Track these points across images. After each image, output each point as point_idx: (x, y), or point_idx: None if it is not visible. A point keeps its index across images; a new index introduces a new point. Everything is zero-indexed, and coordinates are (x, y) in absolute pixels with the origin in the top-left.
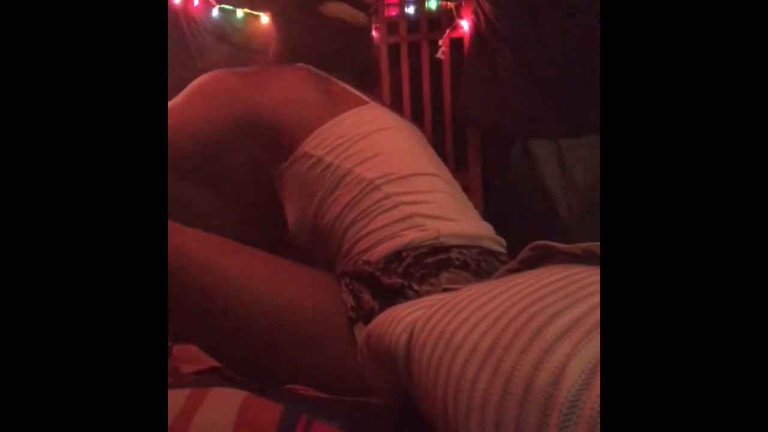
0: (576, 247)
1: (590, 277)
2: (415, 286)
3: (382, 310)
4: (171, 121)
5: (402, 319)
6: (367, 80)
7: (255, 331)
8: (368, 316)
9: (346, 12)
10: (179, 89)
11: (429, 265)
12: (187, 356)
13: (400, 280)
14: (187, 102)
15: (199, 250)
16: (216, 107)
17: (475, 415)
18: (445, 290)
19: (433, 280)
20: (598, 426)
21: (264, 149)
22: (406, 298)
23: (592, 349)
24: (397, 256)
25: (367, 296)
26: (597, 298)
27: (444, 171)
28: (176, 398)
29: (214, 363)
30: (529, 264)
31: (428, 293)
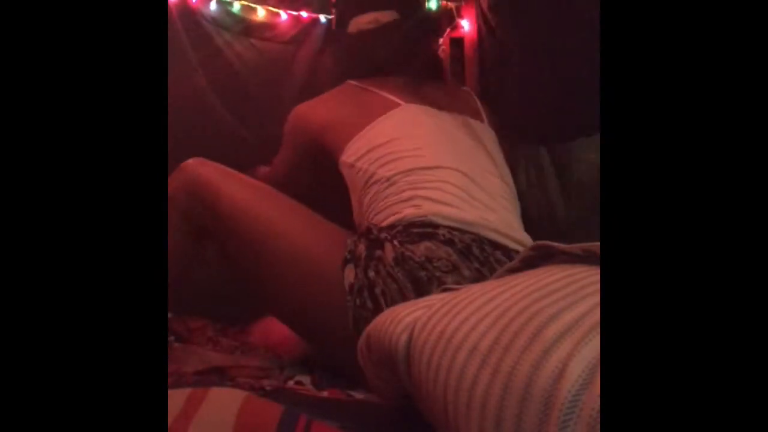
0: (576, 247)
1: (590, 277)
2: (396, 243)
3: (368, 257)
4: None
5: (402, 319)
6: (427, 72)
7: (274, 262)
8: (357, 261)
9: (362, 22)
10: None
11: (413, 234)
12: (187, 356)
13: (385, 234)
14: (283, 138)
15: (249, 199)
16: (293, 141)
17: (475, 415)
18: (445, 290)
19: (411, 246)
20: (598, 425)
21: (327, 161)
22: (384, 251)
23: (592, 349)
24: (393, 225)
25: (361, 245)
26: (597, 298)
27: (469, 165)
28: (176, 398)
29: (216, 363)
30: (530, 263)
31: (405, 254)
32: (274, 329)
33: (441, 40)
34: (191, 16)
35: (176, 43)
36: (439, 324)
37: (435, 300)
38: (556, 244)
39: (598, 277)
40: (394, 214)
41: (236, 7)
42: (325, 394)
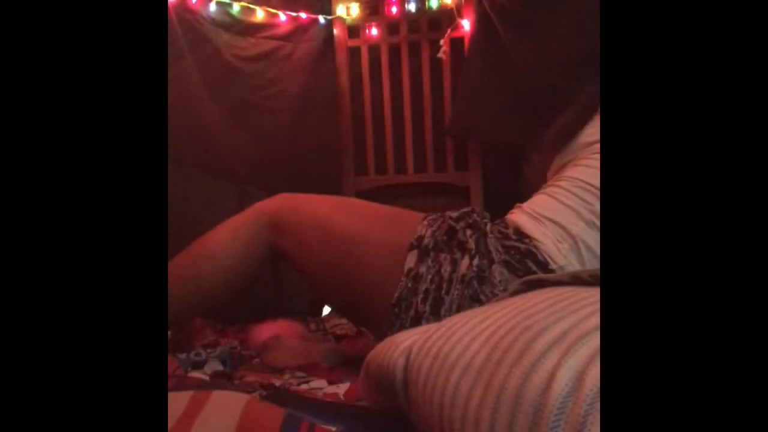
0: (565, 275)
1: (577, 294)
2: (460, 236)
3: (434, 246)
4: None
5: (400, 344)
6: None
7: (338, 256)
8: (420, 245)
9: None
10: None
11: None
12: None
13: (454, 224)
14: None
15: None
16: None
17: (470, 429)
18: None
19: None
20: (584, 429)
21: None
22: (452, 238)
23: (578, 359)
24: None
25: (430, 231)
26: (585, 312)
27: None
28: (178, 401)
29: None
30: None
31: (468, 241)
32: (265, 331)
33: (442, 41)
34: (190, 15)
35: (174, 43)
36: (434, 346)
37: (432, 326)
38: (546, 276)
39: (585, 294)
40: None
41: (235, 8)
42: (340, 392)
